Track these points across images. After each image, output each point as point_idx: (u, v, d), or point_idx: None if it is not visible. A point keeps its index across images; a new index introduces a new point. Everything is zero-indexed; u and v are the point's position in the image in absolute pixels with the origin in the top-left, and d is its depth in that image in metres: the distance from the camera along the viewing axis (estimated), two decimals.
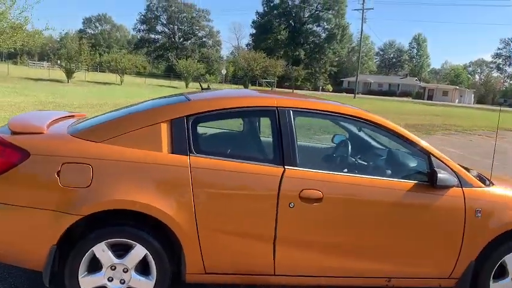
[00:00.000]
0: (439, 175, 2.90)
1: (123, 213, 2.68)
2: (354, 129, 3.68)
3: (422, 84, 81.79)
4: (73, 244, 2.67)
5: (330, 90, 76.07)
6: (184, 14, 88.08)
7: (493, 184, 3.22)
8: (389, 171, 3.23)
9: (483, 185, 3.13)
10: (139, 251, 2.69)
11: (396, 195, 2.94)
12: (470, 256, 3.04)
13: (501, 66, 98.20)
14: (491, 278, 3.11)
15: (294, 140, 2.90)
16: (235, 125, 3.64)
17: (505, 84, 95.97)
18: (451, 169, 3.05)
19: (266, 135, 3.08)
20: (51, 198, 2.59)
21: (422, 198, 2.97)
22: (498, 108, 54.32)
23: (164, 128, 2.78)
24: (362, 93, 71.60)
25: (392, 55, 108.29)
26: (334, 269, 2.96)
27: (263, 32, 78.24)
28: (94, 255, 2.66)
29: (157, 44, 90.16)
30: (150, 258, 2.72)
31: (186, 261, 2.77)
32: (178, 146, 2.76)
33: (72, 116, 3.59)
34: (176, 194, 2.69)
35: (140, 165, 2.68)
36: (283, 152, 2.86)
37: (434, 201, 2.97)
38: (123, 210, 2.65)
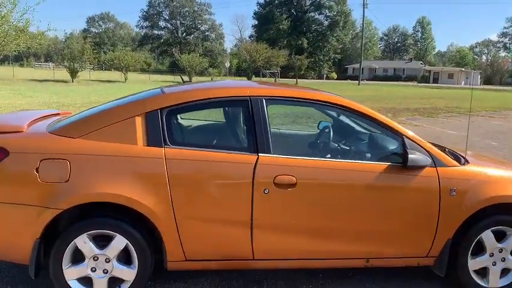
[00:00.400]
0: (409, 156, 2.95)
1: (103, 205, 2.77)
2: (330, 115, 3.72)
3: (427, 67, 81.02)
4: (57, 237, 2.77)
5: (335, 78, 75.70)
6: (186, 9, 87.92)
7: (468, 162, 3.26)
8: (364, 155, 3.28)
9: (458, 164, 3.17)
10: (119, 242, 2.78)
11: (371, 177, 3.00)
12: (447, 234, 3.10)
13: (508, 45, 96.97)
14: (469, 255, 3.16)
15: (267, 127, 2.96)
16: (219, 116, 3.71)
17: None
18: (425, 149, 3.10)
19: (240, 124, 3.15)
20: (31, 194, 2.68)
21: (396, 180, 3.03)
22: (506, 88, 53.70)
23: (139, 122, 2.85)
24: (367, 80, 71.18)
25: (396, 40, 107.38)
26: (312, 252, 3.03)
27: (265, 23, 77.87)
28: (77, 247, 2.76)
29: (161, 40, 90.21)
30: (131, 247, 2.81)
31: (166, 250, 2.87)
32: (153, 139, 2.83)
33: (57, 114, 3.68)
34: (153, 185, 2.77)
35: (116, 159, 2.76)
36: (256, 140, 2.93)
37: (408, 181, 3.02)
38: (102, 202, 2.75)
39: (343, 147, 3.47)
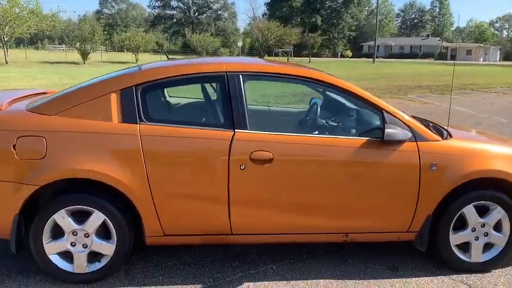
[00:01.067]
0: (386, 130, 2.91)
1: (80, 181, 2.81)
2: (311, 90, 3.67)
3: (445, 44, 79.16)
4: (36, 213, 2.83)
5: (350, 56, 74.66)
6: None
7: (450, 137, 3.20)
8: (344, 130, 3.25)
9: (439, 139, 3.11)
10: (97, 217, 2.83)
11: (349, 152, 2.97)
12: (428, 209, 3.07)
13: None
14: (450, 230, 3.14)
15: (243, 103, 2.94)
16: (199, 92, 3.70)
17: None
18: (405, 124, 3.05)
19: (217, 100, 3.14)
20: (9, 170, 2.73)
21: (375, 154, 2.99)
22: None
23: (114, 98, 2.86)
24: (383, 57, 70.09)
25: (413, 16, 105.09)
26: (290, 227, 3.04)
27: (278, 0, 76.65)
28: (56, 222, 2.82)
29: (174, 20, 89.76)
30: (109, 223, 2.86)
31: (144, 225, 2.91)
32: (128, 115, 2.85)
33: (44, 93, 3.71)
34: (128, 162, 2.79)
35: (92, 135, 2.78)
36: (233, 116, 2.92)
37: (387, 156, 2.99)
38: (81, 179, 2.79)
39: (324, 123, 3.43)
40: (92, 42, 32.79)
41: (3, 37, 27.34)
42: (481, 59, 68.32)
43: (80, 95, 2.93)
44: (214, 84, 3.24)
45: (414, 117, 3.31)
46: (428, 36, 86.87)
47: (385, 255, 3.44)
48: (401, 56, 74.46)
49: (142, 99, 2.90)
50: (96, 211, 2.83)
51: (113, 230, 2.87)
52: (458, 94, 15.97)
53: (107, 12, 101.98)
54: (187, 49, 58.32)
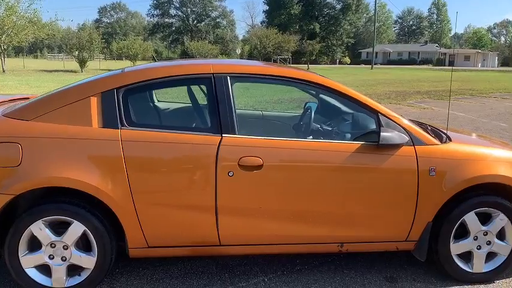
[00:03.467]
0: (381, 133, 2.75)
1: (59, 190, 2.66)
2: (309, 95, 3.53)
3: (443, 50, 79.28)
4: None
5: (348, 63, 74.70)
6: None
7: (450, 140, 3.05)
8: (338, 134, 3.10)
9: (438, 143, 2.96)
10: (77, 228, 2.67)
11: (343, 157, 2.81)
12: (427, 217, 2.91)
13: None
14: (451, 239, 2.97)
15: (231, 107, 2.79)
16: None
17: None
18: (402, 127, 2.89)
19: (203, 104, 2.98)
20: None
21: (371, 159, 2.84)
22: None
23: (94, 102, 2.71)
24: (381, 64, 70.17)
25: (411, 22, 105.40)
26: (282, 237, 2.88)
27: (276, 8, 76.75)
28: (32, 233, 2.65)
29: (172, 28, 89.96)
30: (90, 234, 2.69)
31: (127, 236, 2.75)
32: (108, 120, 2.69)
33: (27, 98, 3.56)
34: (109, 169, 2.64)
35: (70, 141, 2.63)
36: (220, 120, 2.77)
37: (383, 161, 2.83)
38: (58, 188, 2.63)
39: (318, 127, 3.28)
40: (90, 50, 32.64)
41: (1, 45, 27.29)
42: (479, 64, 68.37)
43: (59, 98, 2.77)
44: (201, 87, 3.09)
45: (412, 120, 3.16)
46: (426, 42, 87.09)
47: (383, 265, 3.27)
48: (399, 62, 74.58)
49: (124, 102, 2.74)
50: (75, 221, 2.66)
51: (94, 242, 2.71)
52: (457, 99, 15.85)
53: (106, 21, 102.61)
54: (186, 57, 58.38)
